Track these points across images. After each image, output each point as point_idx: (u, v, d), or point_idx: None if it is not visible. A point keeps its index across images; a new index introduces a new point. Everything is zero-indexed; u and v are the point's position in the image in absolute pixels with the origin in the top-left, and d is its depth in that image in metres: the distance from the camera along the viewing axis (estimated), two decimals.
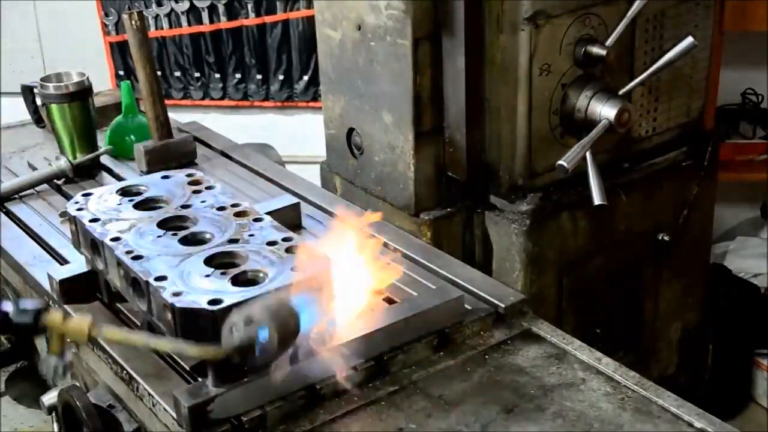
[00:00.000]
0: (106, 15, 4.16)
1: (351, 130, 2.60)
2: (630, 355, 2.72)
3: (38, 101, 2.71)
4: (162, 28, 4.08)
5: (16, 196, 2.34)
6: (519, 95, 2.30)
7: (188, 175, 1.89)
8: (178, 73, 4.12)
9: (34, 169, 2.48)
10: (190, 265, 1.55)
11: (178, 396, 1.46)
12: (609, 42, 2.32)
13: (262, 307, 1.38)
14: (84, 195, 1.83)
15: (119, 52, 4.15)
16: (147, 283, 1.51)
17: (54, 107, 2.46)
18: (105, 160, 2.53)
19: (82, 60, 4.20)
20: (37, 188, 2.38)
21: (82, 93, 2.47)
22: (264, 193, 2.26)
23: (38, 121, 2.77)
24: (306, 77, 4.05)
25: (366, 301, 1.67)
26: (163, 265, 1.55)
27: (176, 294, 1.46)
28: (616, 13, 2.34)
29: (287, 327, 1.38)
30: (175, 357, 1.63)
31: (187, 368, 1.61)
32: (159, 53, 4.07)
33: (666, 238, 2.64)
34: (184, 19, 4.06)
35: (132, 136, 2.55)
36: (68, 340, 1.51)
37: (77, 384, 1.80)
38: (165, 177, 1.89)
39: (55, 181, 2.41)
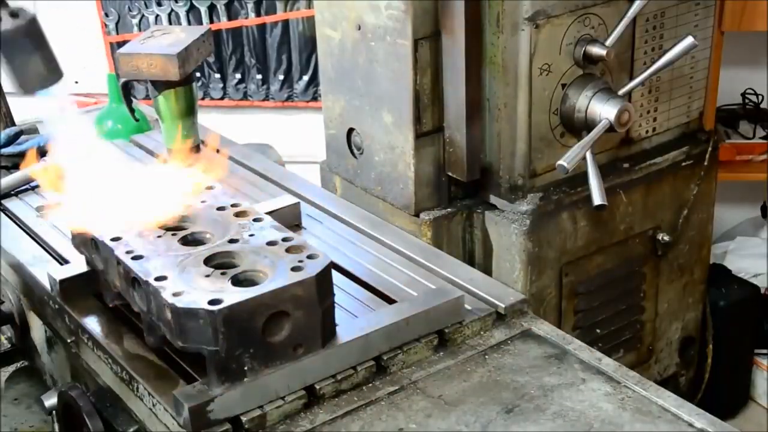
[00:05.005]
0: (106, 15, 4.16)
1: (351, 130, 2.60)
2: (630, 355, 2.72)
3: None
4: None
5: (12, 192, 2.34)
6: (519, 95, 2.31)
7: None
8: None
9: None
10: (190, 265, 1.55)
11: (178, 396, 1.46)
12: (609, 42, 2.32)
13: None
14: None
15: None
16: (147, 283, 1.51)
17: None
18: None
19: (82, 60, 4.21)
20: (32, 184, 2.38)
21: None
22: (264, 193, 2.26)
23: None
24: (306, 77, 4.05)
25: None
26: (163, 265, 1.55)
27: (176, 294, 1.46)
28: (616, 13, 2.35)
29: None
30: (175, 357, 1.63)
31: (188, 368, 1.61)
32: None
33: (666, 238, 2.64)
34: (184, 19, 4.06)
35: (119, 125, 2.68)
36: None
37: (77, 384, 1.80)
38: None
39: None
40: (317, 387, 1.55)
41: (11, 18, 1.71)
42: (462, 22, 2.26)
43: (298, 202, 2.14)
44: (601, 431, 1.48)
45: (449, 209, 2.48)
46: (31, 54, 1.73)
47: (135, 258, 1.57)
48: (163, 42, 2.41)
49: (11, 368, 2.21)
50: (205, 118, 2.69)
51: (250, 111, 4.19)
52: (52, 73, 1.77)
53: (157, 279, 1.51)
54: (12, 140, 2.48)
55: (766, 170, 3.68)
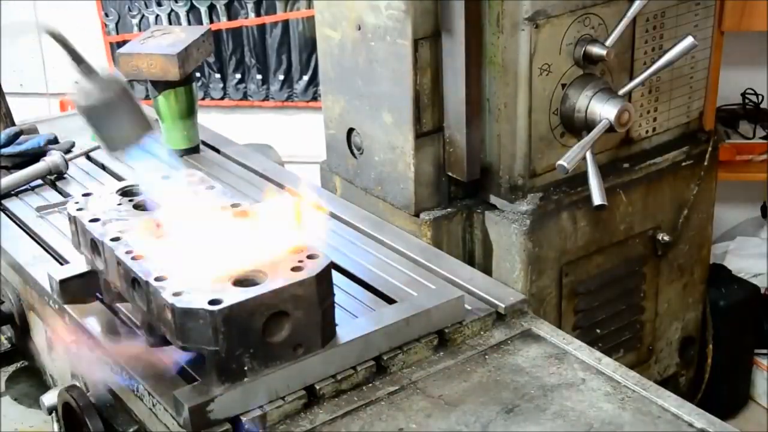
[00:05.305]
0: (106, 15, 4.17)
1: (351, 130, 2.60)
2: (630, 355, 2.72)
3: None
4: None
5: (12, 192, 2.34)
6: (519, 95, 2.31)
7: (188, 176, 1.89)
8: None
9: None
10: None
11: (178, 396, 1.46)
12: (609, 42, 2.32)
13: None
14: (84, 195, 1.83)
15: None
16: (147, 283, 1.51)
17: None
18: (99, 156, 2.54)
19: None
20: (31, 183, 2.39)
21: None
22: (264, 193, 2.26)
23: None
24: (306, 77, 4.05)
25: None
26: (163, 265, 1.55)
27: (176, 294, 1.46)
28: (616, 13, 2.35)
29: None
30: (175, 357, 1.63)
31: (188, 368, 1.61)
32: None
33: (666, 238, 2.64)
34: (184, 19, 4.06)
35: None
36: None
37: (77, 384, 1.80)
38: (165, 177, 1.89)
39: (48, 176, 2.42)
40: (317, 387, 1.55)
41: (99, 88, 1.70)
42: (462, 22, 2.26)
43: None
44: (601, 431, 1.48)
45: (449, 209, 2.48)
46: (121, 121, 1.72)
47: (135, 258, 1.57)
48: (163, 42, 2.42)
49: (11, 368, 2.21)
50: (205, 118, 2.70)
51: (250, 111, 4.19)
52: (142, 130, 1.76)
53: (157, 279, 1.51)
54: (12, 140, 2.48)
55: (766, 170, 3.68)
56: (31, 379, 2.15)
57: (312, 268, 1.51)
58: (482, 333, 1.74)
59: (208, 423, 1.46)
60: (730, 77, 3.55)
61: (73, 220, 1.77)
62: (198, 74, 4.09)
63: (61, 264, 1.96)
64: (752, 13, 3.38)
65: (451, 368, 1.65)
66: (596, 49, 2.32)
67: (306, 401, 1.54)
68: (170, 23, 4.07)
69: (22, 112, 2.88)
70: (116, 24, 4.18)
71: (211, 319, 1.42)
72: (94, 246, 1.70)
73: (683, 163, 2.64)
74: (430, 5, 2.31)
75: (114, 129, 1.73)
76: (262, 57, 4.07)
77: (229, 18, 4.05)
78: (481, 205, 2.48)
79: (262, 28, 4.03)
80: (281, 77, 4.08)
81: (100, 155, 2.53)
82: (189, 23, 4.05)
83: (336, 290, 1.62)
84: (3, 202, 2.30)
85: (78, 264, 1.83)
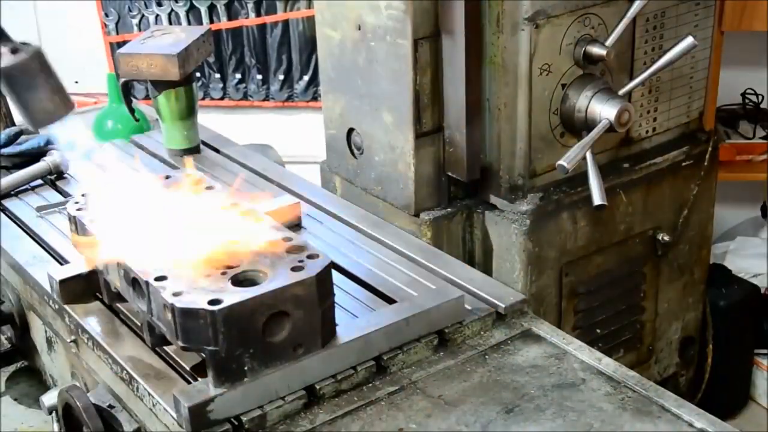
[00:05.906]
0: (106, 15, 4.16)
1: (351, 130, 2.60)
2: (630, 355, 2.72)
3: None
4: None
5: (12, 192, 2.34)
6: (519, 95, 2.31)
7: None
8: None
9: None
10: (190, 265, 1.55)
11: (178, 396, 1.47)
12: (609, 42, 2.32)
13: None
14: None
15: None
16: (147, 283, 1.51)
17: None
18: None
19: (83, 60, 4.22)
20: (31, 183, 2.39)
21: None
22: (264, 193, 2.26)
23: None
24: (306, 77, 4.05)
25: None
26: (163, 265, 1.55)
27: (176, 294, 1.46)
28: (616, 13, 2.35)
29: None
30: (176, 357, 1.63)
31: (188, 368, 1.61)
32: None
33: (666, 238, 2.64)
34: (184, 19, 4.06)
35: (119, 125, 2.71)
36: None
37: (77, 384, 1.81)
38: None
39: (48, 176, 2.42)
40: (317, 387, 1.55)
41: (12, 54, 1.64)
42: (462, 22, 2.26)
43: (298, 202, 2.14)
44: (601, 431, 1.48)
45: (449, 209, 2.48)
46: (35, 90, 1.67)
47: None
48: (163, 42, 2.42)
49: (11, 368, 2.21)
50: (205, 118, 2.70)
51: (250, 111, 4.19)
52: (61, 107, 1.72)
53: (157, 279, 1.51)
54: (12, 140, 2.48)
55: (766, 170, 3.68)
56: (31, 379, 2.15)
57: (312, 268, 1.51)
58: (482, 333, 1.74)
59: (208, 423, 1.46)
60: (730, 77, 3.55)
61: (73, 220, 1.77)
62: (198, 74, 4.09)
63: (61, 264, 1.96)
64: (752, 13, 3.38)
65: (451, 368, 1.65)
66: (596, 49, 2.32)
67: (306, 401, 1.54)
68: (170, 23, 4.07)
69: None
70: (116, 24, 4.18)
71: (211, 319, 1.42)
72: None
73: (683, 163, 2.64)
74: (430, 5, 2.31)
75: (34, 101, 1.70)
76: (262, 57, 4.07)
77: (229, 18, 4.04)
78: (481, 205, 2.48)
79: (262, 28, 4.03)
80: (281, 77, 4.08)
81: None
82: (189, 23, 4.04)
83: (336, 290, 1.62)
84: (3, 202, 2.30)
85: (78, 264, 1.84)
